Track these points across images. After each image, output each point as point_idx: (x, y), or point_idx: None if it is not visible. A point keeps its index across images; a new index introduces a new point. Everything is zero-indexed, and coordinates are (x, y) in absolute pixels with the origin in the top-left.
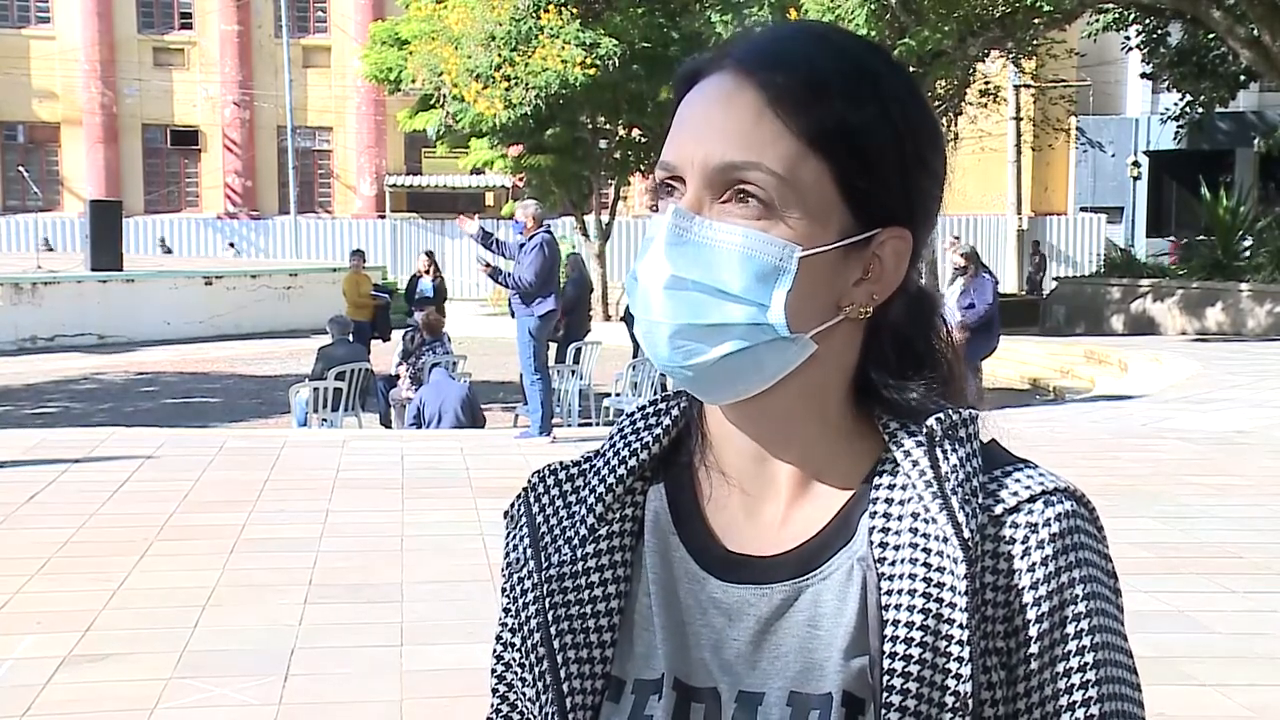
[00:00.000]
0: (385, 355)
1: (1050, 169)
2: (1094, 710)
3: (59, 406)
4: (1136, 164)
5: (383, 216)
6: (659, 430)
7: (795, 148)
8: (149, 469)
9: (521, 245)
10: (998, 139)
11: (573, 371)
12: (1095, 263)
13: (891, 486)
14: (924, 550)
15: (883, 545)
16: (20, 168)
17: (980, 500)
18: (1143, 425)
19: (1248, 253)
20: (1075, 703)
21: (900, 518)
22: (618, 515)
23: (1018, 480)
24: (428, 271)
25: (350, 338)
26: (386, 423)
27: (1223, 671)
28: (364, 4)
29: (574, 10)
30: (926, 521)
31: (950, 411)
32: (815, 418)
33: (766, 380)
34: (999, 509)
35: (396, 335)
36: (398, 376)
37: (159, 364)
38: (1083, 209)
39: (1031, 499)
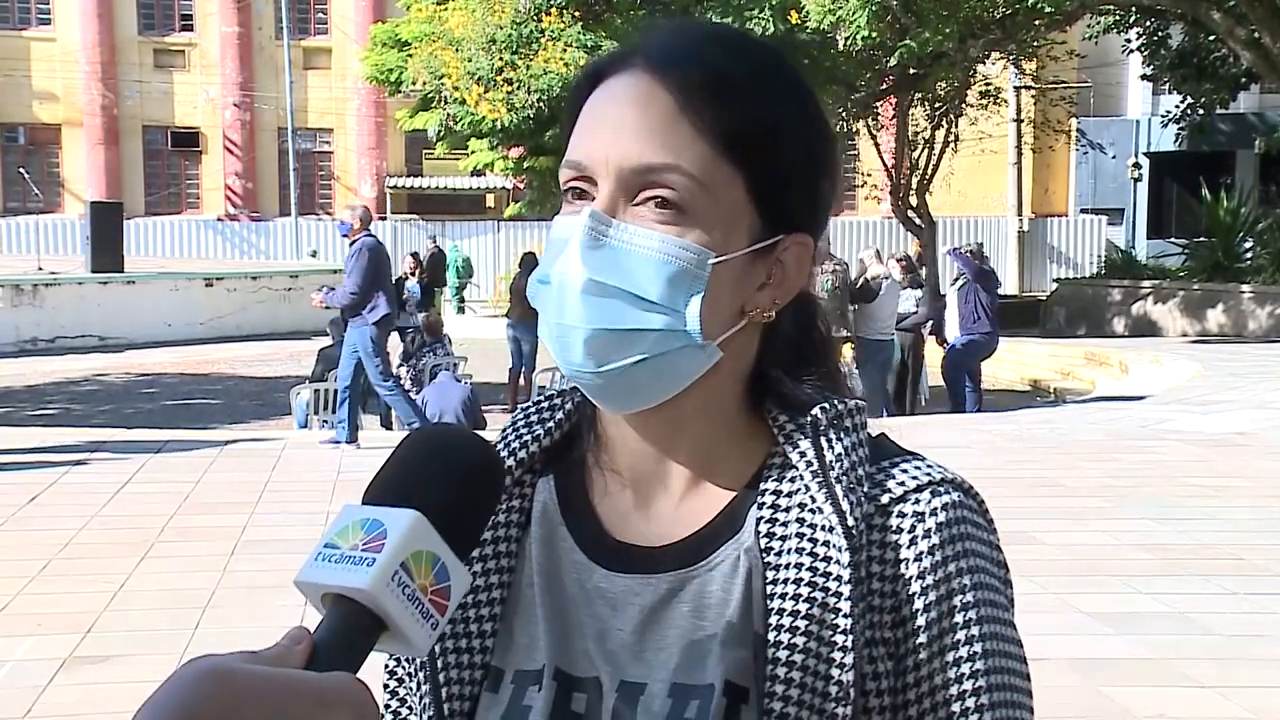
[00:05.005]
0: None
1: (1051, 171)
2: (983, 700)
3: (60, 408)
4: (1137, 166)
5: (383, 218)
6: (551, 424)
7: (709, 151)
8: (150, 471)
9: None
10: (998, 141)
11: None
12: (1096, 264)
13: (780, 479)
14: (810, 540)
15: (770, 535)
16: (21, 169)
17: (866, 490)
18: (1143, 427)
19: (1249, 254)
20: (965, 692)
21: (788, 509)
22: (504, 506)
23: (905, 471)
24: (414, 273)
25: None
26: (387, 424)
27: (1222, 673)
28: (364, 6)
29: (575, 13)
30: (813, 511)
31: (835, 402)
32: (711, 419)
33: (671, 389)
34: (885, 499)
35: (394, 336)
36: (398, 378)
37: (159, 365)
38: (1083, 211)
39: (918, 489)
